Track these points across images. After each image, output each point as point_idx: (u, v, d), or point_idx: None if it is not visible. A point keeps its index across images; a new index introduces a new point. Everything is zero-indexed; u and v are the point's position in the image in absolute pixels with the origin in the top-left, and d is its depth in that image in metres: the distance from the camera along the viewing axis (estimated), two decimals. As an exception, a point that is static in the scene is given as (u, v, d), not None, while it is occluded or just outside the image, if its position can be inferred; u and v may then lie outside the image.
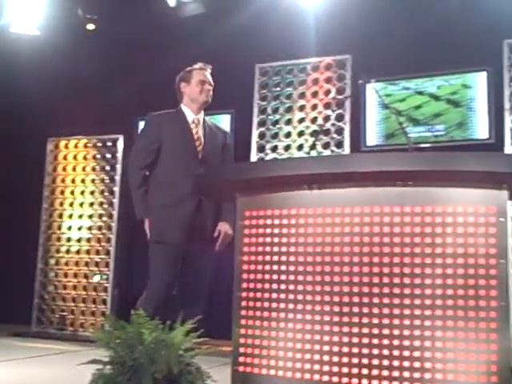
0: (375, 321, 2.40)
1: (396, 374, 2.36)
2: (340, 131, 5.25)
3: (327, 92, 5.40)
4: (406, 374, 2.35)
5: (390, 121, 5.18)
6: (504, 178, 2.34)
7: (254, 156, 5.48)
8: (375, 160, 2.42)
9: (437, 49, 5.19)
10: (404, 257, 2.40)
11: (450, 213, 2.38)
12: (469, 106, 5.01)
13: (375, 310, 2.41)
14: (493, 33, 4.85)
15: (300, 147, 5.40)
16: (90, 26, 6.52)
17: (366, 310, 2.42)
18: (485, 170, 2.27)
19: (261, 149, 5.52)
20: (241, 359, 2.66)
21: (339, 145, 5.23)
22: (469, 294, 2.34)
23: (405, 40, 5.26)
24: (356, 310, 2.44)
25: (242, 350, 2.66)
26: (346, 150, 5.17)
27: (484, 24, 5.05)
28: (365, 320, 2.42)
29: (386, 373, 2.36)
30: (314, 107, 5.44)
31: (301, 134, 5.44)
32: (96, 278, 6.14)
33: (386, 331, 2.39)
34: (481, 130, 4.93)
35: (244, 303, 2.69)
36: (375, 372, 2.37)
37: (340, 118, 5.28)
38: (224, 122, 5.88)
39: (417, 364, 2.34)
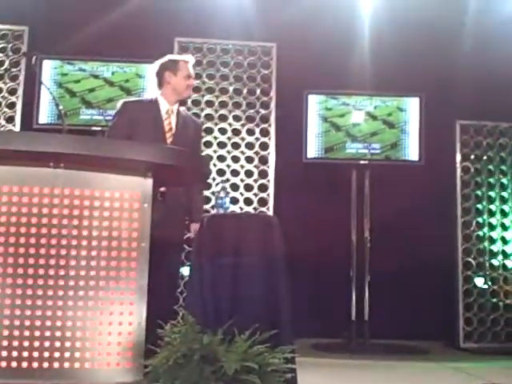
0: (18, 302, 2.38)
1: (36, 354, 2.38)
2: (11, 105, 5.01)
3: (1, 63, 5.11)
4: (47, 354, 2.39)
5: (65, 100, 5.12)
6: (149, 167, 2.50)
7: None
8: (27, 139, 2.37)
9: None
10: (51, 238, 2.42)
11: (97, 197, 2.46)
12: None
13: (19, 291, 2.39)
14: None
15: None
16: None
17: (8, 291, 2.38)
18: (132, 158, 2.40)
19: None
20: None
21: (10, 119, 5.00)
22: (110, 275, 2.46)
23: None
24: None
25: None
26: (17, 125, 4.96)
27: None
28: (7, 302, 2.38)
29: (26, 354, 2.37)
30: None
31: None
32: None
33: (28, 312, 2.38)
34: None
35: None
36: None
37: (13, 91, 5.04)
38: None
39: (58, 344, 2.39)
